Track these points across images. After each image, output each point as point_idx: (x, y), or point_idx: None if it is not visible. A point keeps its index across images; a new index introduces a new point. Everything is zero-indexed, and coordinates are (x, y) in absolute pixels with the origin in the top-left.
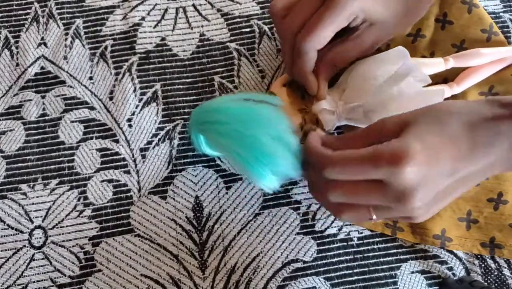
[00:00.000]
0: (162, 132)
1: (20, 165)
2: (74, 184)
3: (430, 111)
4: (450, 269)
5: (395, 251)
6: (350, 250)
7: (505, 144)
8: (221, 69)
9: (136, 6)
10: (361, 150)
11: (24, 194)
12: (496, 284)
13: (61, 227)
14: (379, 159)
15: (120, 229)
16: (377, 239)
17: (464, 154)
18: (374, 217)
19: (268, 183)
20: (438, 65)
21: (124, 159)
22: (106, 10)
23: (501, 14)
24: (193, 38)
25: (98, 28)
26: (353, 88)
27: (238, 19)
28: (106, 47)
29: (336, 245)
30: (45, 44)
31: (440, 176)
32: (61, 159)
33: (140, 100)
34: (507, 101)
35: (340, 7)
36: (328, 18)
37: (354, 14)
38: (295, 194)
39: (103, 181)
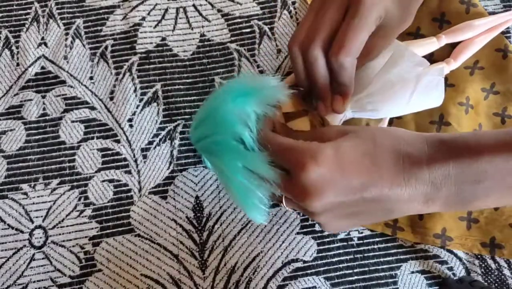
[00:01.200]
0: (163, 133)
1: (20, 164)
2: (74, 183)
3: (370, 130)
4: (450, 269)
5: (395, 251)
6: (350, 249)
7: (427, 188)
8: (221, 69)
9: (137, 6)
10: (287, 139)
11: (25, 193)
12: (496, 284)
13: (61, 227)
14: (293, 151)
15: (120, 229)
16: (377, 239)
17: (381, 179)
18: (283, 205)
19: (257, 214)
20: (431, 44)
21: (125, 159)
22: (106, 10)
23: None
24: (193, 39)
25: (99, 28)
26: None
27: (239, 20)
28: (106, 47)
29: (336, 244)
30: (45, 44)
31: (347, 189)
32: (62, 158)
33: (141, 100)
34: (446, 146)
35: (368, 12)
36: (360, 27)
37: (380, 17)
38: None
39: (103, 181)
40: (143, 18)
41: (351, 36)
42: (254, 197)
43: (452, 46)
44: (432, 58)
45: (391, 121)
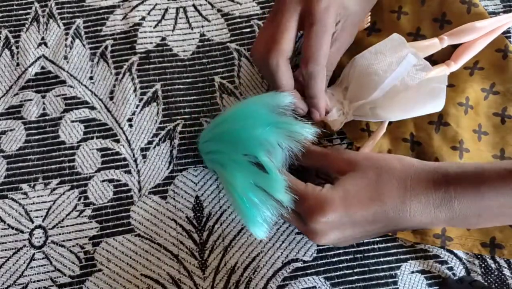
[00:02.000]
0: (163, 132)
1: (20, 164)
2: (74, 183)
3: (377, 162)
4: (450, 269)
5: (395, 251)
6: (350, 249)
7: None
8: (221, 69)
9: (137, 6)
10: (299, 187)
11: (25, 193)
12: (496, 284)
13: (61, 227)
14: (302, 203)
15: (120, 229)
16: (377, 239)
17: (384, 205)
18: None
19: (258, 230)
20: (434, 46)
21: (124, 159)
22: (106, 10)
23: (501, 14)
24: (193, 38)
25: (99, 28)
26: (356, 86)
27: (239, 20)
28: (106, 47)
29: None
30: (45, 44)
31: (353, 223)
32: (61, 158)
33: (141, 100)
34: (449, 177)
35: (324, 16)
36: (321, 33)
37: (338, 16)
38: None
39: (103, 181)
40: (143, 18)
41: (314, 44)
42: (259, 214)
43: (453, 47)
44: (432, 58)
45: (390, 122)
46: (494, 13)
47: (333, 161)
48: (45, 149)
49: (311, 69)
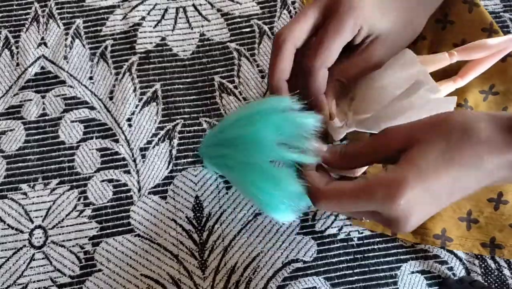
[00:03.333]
0: (162, 132)
1: (20, 164)
2: (74, 183)
3: (442, 125)
4: (450, 269)
5: (395, 251)
6: (350, 250)
7: None
8: (221, 69)
9: (136, 6)
10: (353, 184)
11: (24, 193)
12: (496, 284)
13: (61, 227)
14: (373, 194)
15: (120, 229)
16: (377, 239)
17: (461, 167)
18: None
19: (283, 215)
20: (443, 60)
21: (124, 159)
22: (106, 10)
23: (501, 13)
24: (193, 38)
25: (98, 28)
26: (362, 98)
27: (238, 19)
28: (106, 47)
29: (336, 245)
30: (45, 44)
31: (435, 196)
32: (61, 158)
33: (140, 100)
34: None
35: (343, 19)
36: (333, 31)
37: (358, 25)
38: None
39: (103, 181)
40: (143, 18)
41: (322, 41)
42: (283, 202)
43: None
44: (439, 70)
45: None
46: (493, 13)
47: (387, 146)
48: (44, 149)
49: (310, 64)
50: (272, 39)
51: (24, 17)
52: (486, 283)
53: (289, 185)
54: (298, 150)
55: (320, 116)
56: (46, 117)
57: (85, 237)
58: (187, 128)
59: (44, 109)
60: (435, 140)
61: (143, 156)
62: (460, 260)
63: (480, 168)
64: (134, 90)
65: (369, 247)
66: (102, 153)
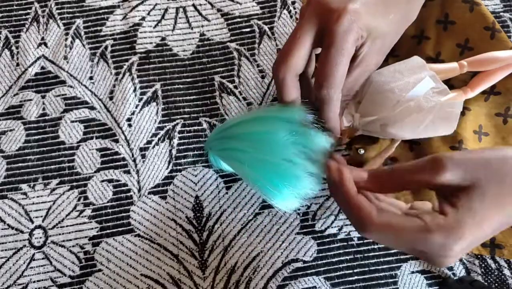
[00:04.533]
0: (162, 132)
1: (20, 164)
2: (74, 183)
3: (499, 166)
4: (450, 269)
5: (395, 251)
6: (350, 250)
7: None
8: (221, 69)
9: (136, 6)
10: (410, 224)
11: (25, 193)
12: (496, 284)
13: (61, 227)
14: (431, 242)
15: (120, 229)
16: None
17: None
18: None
19: (288, 204)
20: (453, 71)
21: (124, 159)
22: (106, 10)
23: (501, 13)
24: (193, 38)
25: (98, 28)
26: (369, 101)
27: (238, 19)
28: (106, 47)
29: (336, 245)
30: (45, 44)
31: (485, 236)
32: (61, 158)
33: (140, 100)
34: None
35: (343, 39)
36: (336, 55)
37: (360, 37)
38: None
39: (103, 181)
40: (143, 18)
41: (329, 68)
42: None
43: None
44: (449, 82)
45: None
46: (494, 13)
47: (444, 178)
48: (44, 149)
49: (323, 94)
50: (272, 70)
51: (24, 17)
52: (486, 283)
53: (303, 182)
54: (311, 160)
55: (333, 141)
56: (46, 117)
57: (85, 237)
58: (187, 128)
59: (44, 109)
60: (490, 182)
61: (143, 156)
62: (460, 260)
63: None
64: (134, 90)
65: (369, 247)
66: (102, 153)
